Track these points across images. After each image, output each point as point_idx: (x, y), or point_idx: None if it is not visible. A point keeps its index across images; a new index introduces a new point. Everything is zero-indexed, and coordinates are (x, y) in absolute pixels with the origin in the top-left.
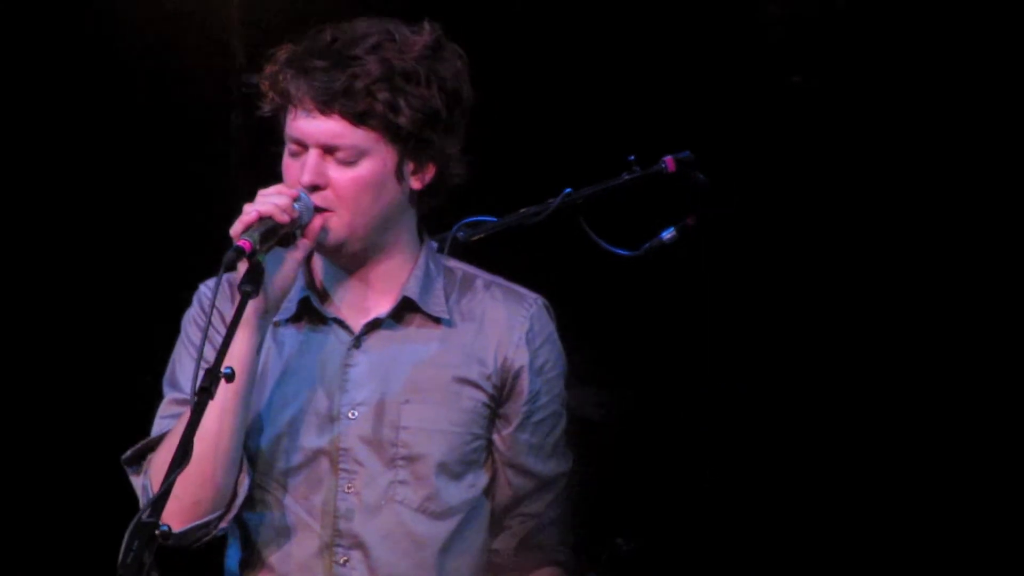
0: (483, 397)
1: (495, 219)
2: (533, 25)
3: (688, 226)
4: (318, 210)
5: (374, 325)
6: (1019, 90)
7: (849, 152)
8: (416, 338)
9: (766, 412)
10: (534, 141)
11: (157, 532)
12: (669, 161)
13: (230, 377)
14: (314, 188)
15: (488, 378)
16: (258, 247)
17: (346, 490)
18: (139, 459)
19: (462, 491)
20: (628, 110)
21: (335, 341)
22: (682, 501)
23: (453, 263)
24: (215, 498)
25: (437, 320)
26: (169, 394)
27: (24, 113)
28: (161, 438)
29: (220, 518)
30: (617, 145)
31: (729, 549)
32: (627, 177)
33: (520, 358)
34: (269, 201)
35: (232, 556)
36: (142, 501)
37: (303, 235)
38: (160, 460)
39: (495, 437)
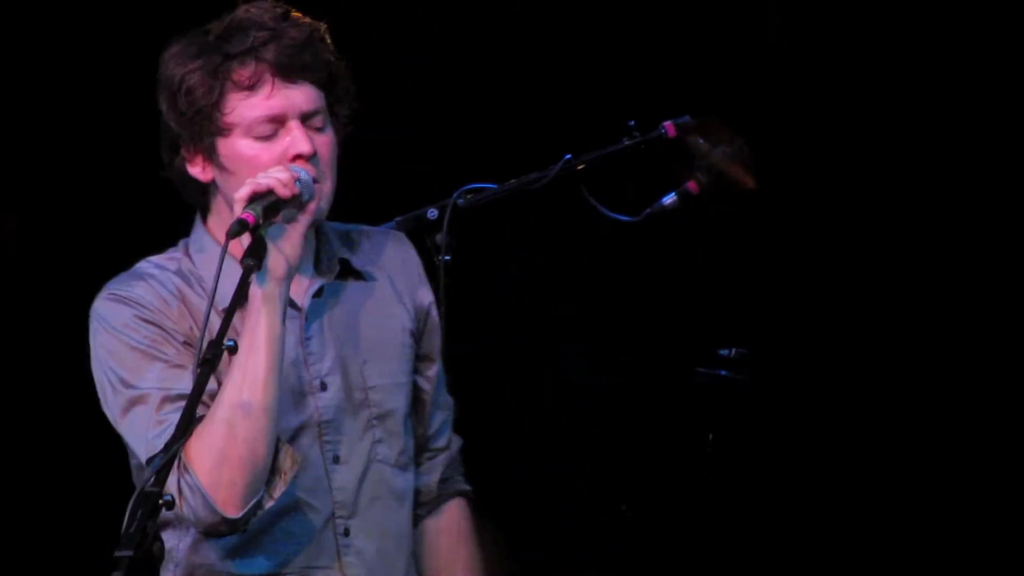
0: (411, 341)
1: (495, 186)
2: None
3: (689, 191)
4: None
5: (319, 293)
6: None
7: (852, 123)
8: (351, 298)
9: (763, 385)
10: (534, 107)
11: (161, 501)
12: (669, 126)
13: (232, 349)
14: (312, 157)
15: (411, 321)
16: (261, 221)
17: (333, 461)
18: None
19: (410, 439)
20: (628, 75)
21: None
22: (684, 468)
23: (329, 223)
24: (263, 475)
25: (363, 277)
26: (156, 395)
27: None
28: (181, 432)
29: (267, 493)
30: (617, 110)
31: (728, 517)
32: (627, 143)
33: (426, 295)
34: (272, 176)
35: (211, 546)
36: (184, 501)
37: (302, 211)
38: (200, 455)
39: (419, 379)
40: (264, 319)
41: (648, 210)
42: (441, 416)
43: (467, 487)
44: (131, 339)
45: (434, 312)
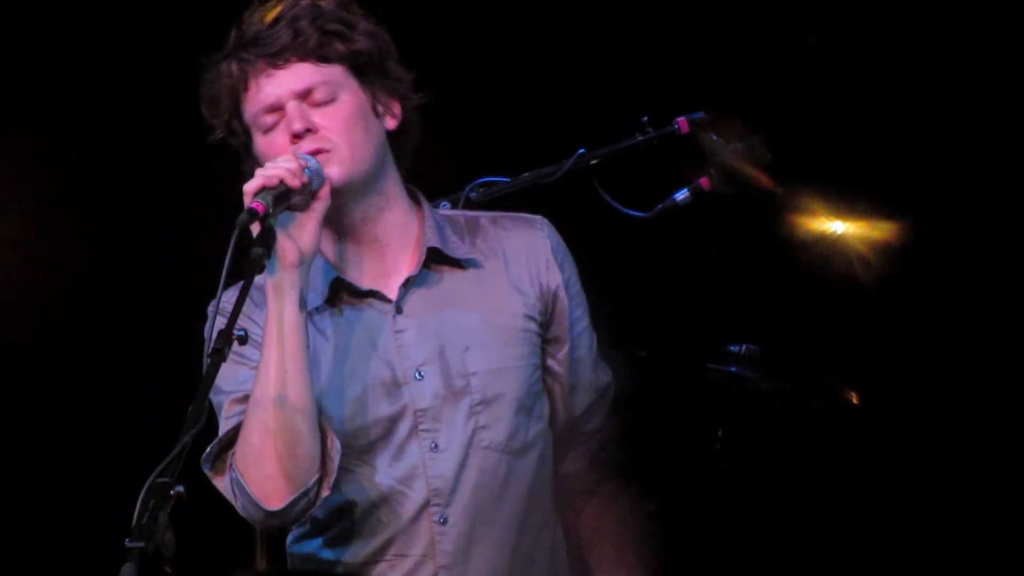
0: (533, 326)
1: (508, 179)
2: None
3: (702, 188)
4: (318, 153)
5: (407, 284)
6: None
7: (866, 117)
8: (451, 286)
9: (774, 381)
10: (547, 101)
11: (172, 492)
12: (682, 122)
13: (243, 339)
14: (307, 133)
15: (533, 307)
16: (271, 210)
17: (432, 449)
18: (218, 459)
19: (534, 423)
20: (641, 70)
21: (375, 312)
22: (694, 464)
23: (448, 212)
24: (307, 466)
25: (463, 265)
26: (226, 399)
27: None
28: (234, 434)
29: (319, 484)
30: (630, 106)
31: (739, 513)
32: (640, 138)
33: (553, 278)
34: (281, 166)
35: (312, 537)
36: (237, 499)
37: (316, 198)
38: (242, 453)
39: (551, 362)
40: (274, 310)
41: (660, 206)
42: (587, 398)
43: (623, 470)
44: None
45: (563, 294)
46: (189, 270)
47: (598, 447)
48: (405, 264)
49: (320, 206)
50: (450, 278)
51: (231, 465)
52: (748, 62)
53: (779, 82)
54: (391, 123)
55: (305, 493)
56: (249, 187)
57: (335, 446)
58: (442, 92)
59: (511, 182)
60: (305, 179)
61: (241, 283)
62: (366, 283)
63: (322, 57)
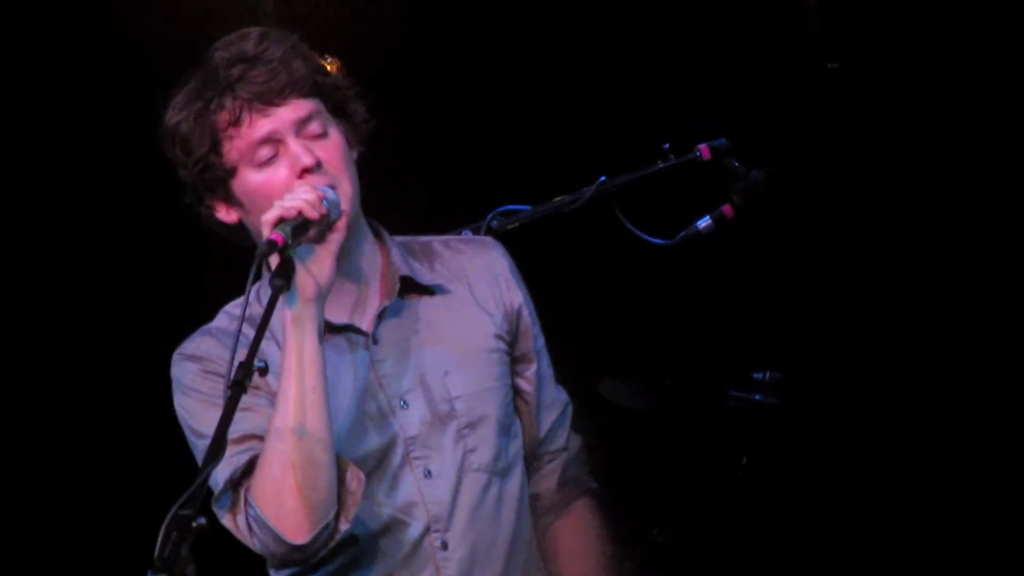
0: (503, 346)
1: (529, 208)
2: (566, 12)
3: (724, 215)
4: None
5: (381, 315)
6: None
7: (884, 140)
8: (423, 313)
9: (797, 409)
10: (568, 129)
11: (194, 524)
12: (704, 149)
13: (263, 370)
14: (317, 168)
15: (500, 326)
16: (290, 241)
17: (425, 476)
18: (230, 497)
19: (512, 443)
20: (663, 97)
21: (352, 345)
22: (717, 492)
23: (402, 239)
24: (327, 498)
25: (432, 291)
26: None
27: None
28: (245, 471)
29: (338, 517)
30: (652, 133)
31: (761, 541)
32: (662, 165)
33: (515, 298)
34: (300, 197)
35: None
36: (254, 536)
37: (332, 230)
38: (261, 487)
39: (520, 382)
40: (293, 342)
41: (682, 233)
42: (551, 416)
43: (592, 485)
44: (199, 392)
45: (525, 312)
46: (193, 276)
47: (563, 466)
48: (375, 295)
49: (337, 238)
50: (421, 305)
51: (247, 501)
52: (770, 90)
53: (800, 108)
54: (355, 152)
55: (326, 526)
56: (268, 217)
57: (357, 477)
58: (464, 121)
59: (532, 210)
60: (324, 210)
61: (215, 323)
62: (340, 317)
63: (311, 92)
